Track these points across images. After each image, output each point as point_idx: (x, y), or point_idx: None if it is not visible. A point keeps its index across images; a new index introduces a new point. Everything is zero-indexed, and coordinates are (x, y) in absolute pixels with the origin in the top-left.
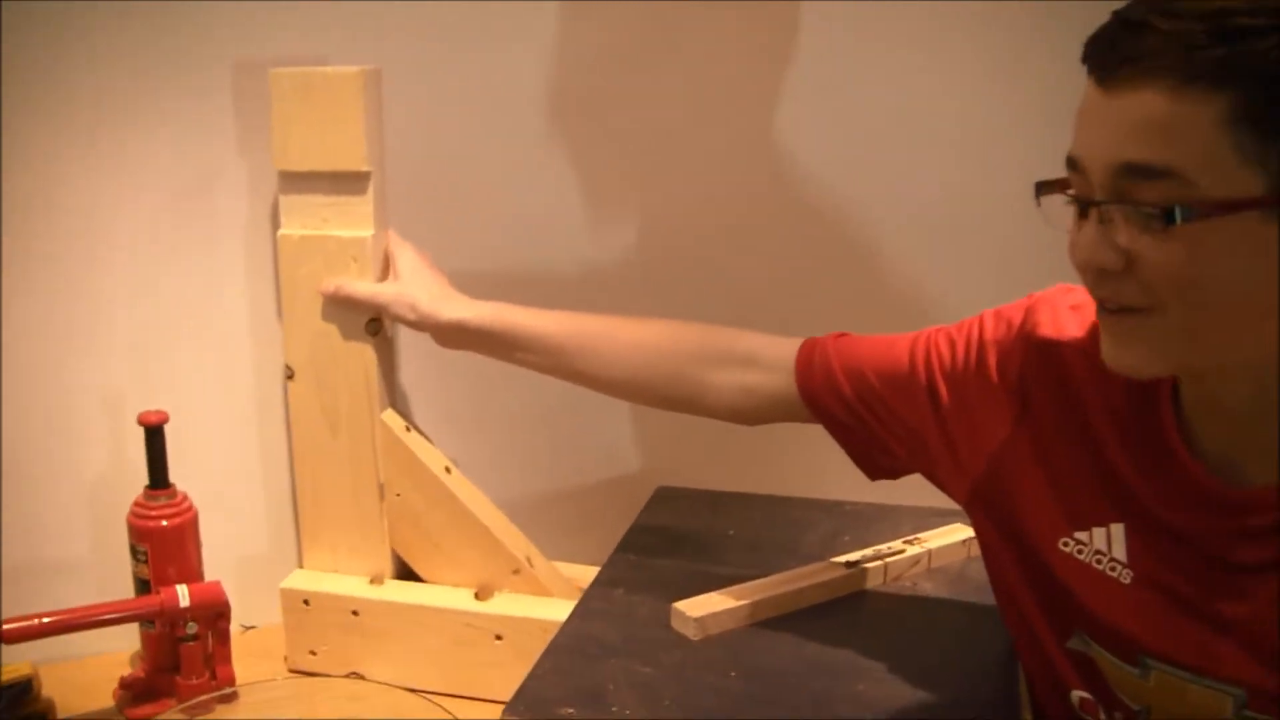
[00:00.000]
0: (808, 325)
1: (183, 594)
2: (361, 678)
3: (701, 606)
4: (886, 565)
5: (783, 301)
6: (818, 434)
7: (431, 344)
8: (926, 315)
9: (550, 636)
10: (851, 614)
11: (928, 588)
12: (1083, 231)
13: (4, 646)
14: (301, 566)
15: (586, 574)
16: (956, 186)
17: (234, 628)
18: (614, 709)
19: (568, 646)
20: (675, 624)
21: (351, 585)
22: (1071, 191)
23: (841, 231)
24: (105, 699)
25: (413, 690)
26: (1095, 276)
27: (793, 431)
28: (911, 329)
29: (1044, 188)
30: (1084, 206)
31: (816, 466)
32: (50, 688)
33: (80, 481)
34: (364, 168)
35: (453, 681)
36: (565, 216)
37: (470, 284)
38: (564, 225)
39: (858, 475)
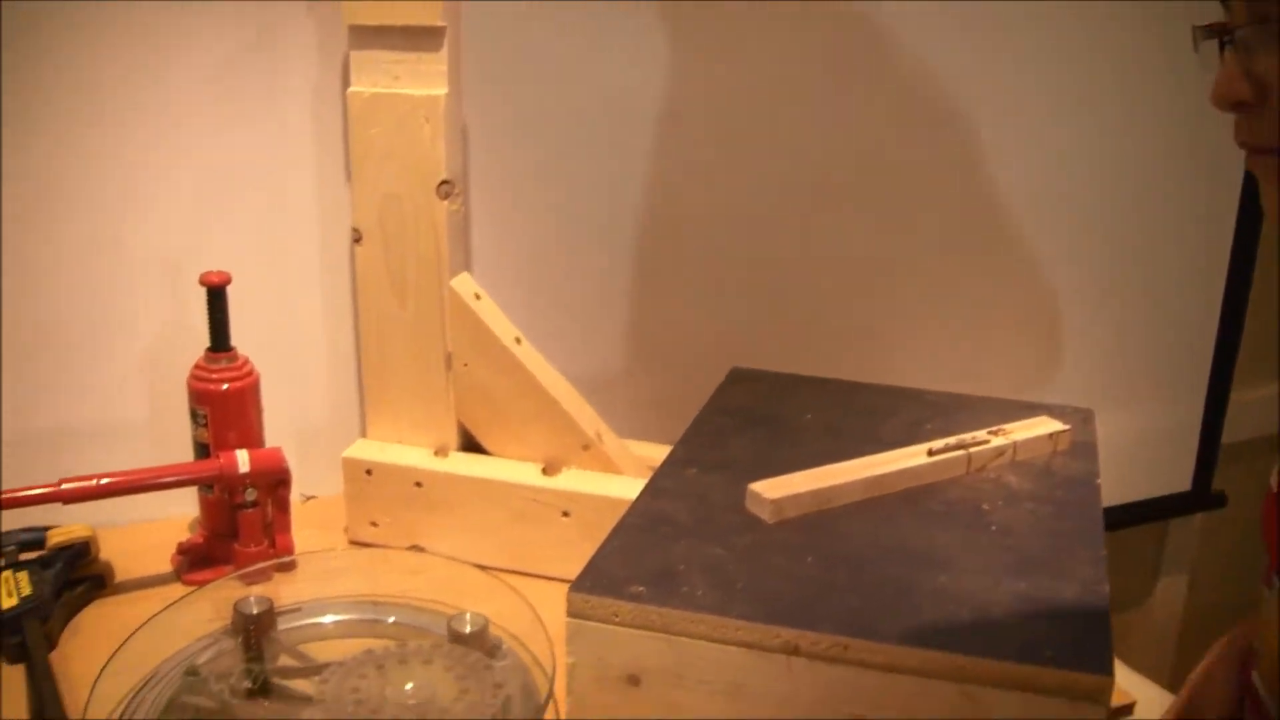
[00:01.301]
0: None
1: (242, 459)
2: (423, 551)
3: (778, 489)
4: (970, 455)
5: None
6: (897, 322)
7: (505, 210)
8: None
9: (619, 515)
10: (934, 503)
11: (1012, 480)
12: (1223, 65)
13: (63, 507)
14: (364, 437)
15: (657, 453)
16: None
17: (293, 498)
18: (684, 590)
19: (637, 525)
20: (750, 506)
21: (415, 456)
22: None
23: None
24: (163, 564)
25: (475, 565)
26: (1236, 117)
27: (870, 318)
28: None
29: (1200, 31)
30: (1225, 40)
31: (893, 355)
32: (108, 551)
33: (139, 345)
34: (438, 22)
35: (516, 557)
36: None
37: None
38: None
39: (936, 366)
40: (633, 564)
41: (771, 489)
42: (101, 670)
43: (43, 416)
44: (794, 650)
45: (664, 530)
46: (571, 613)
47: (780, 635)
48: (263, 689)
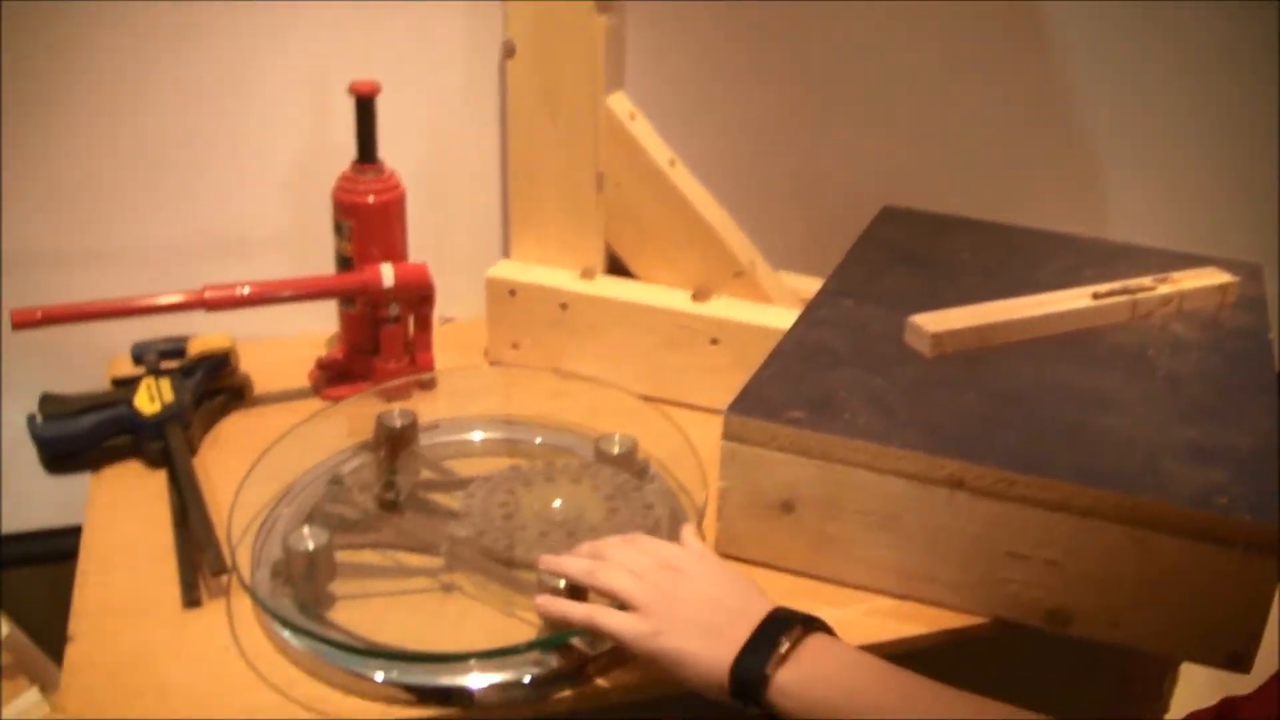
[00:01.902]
0: None
1: (386, 273)
2: (565, 373)
3: (939, 322)
4: (1136, 301)
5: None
6: (1052, 168)
7: (664, 23)
8: None
9: (770, 345)
10: (1097, 347)
11: (1179, 329)
12: None
13: (204, 318)
14: (507, 258)
15: (809, 285)
16: None
17: (433, 317)
18: (845, 417)
19: (794, 353)
20: (909, 339)
21: (561, 278)
22: None
23: None
24: (300, 379)
25: (612, 386)
26: None
27: (1023, 161)
28: None
29: None
30: None
31: (1046, 201)
32: (247, 364)
33: (284, 157)
34: None
35: (661, 385)
36: None
37: None
38: None
39: (1093, 217)
40: (791, 390)
41: (932, 322)
42: (245, 477)
43: (185, 227)
44: (958, 483)
45: (821, 359)
46: (727, 435)
47: (945, 467)
48: (406, 501)
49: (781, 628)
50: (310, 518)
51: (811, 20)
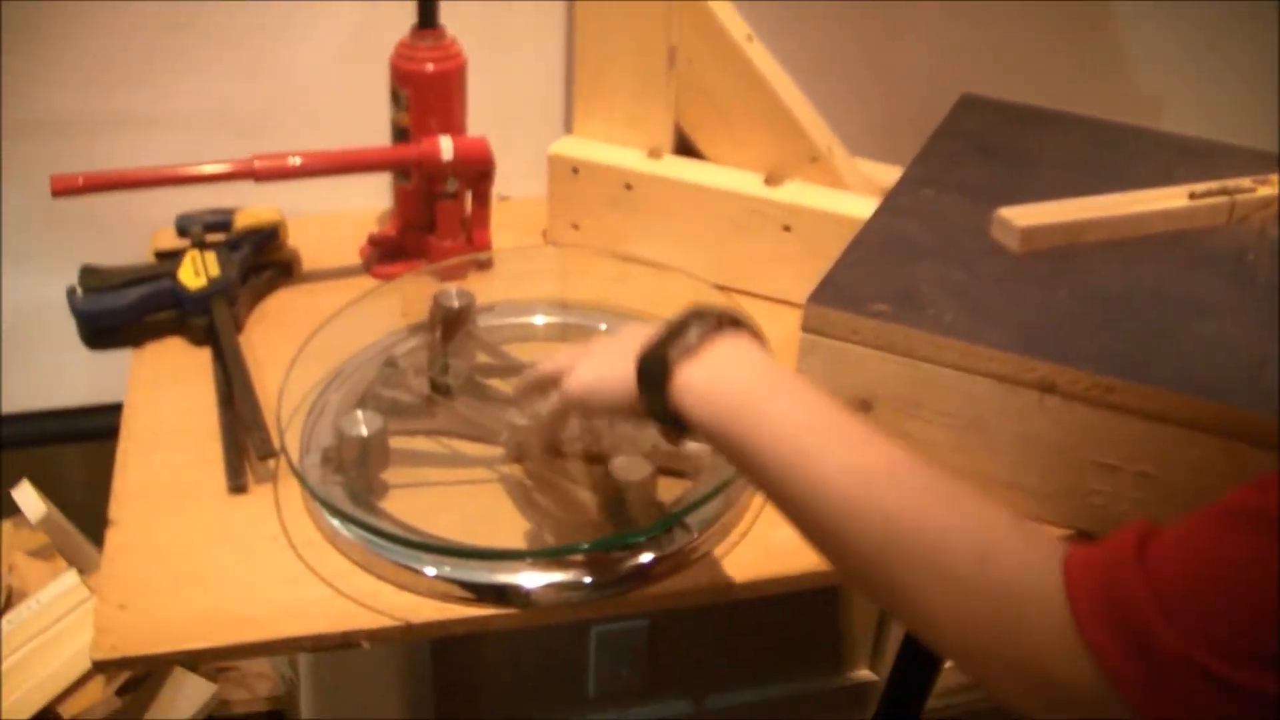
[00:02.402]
0: None
1: (445, 146)
2: (628, 256)
3: (1027, 216)
4: (1234, 203)
5: None
6: (1140, 59)
7: None
8: None
9: (845, 235)
10: (1194, 249)
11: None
12: None
13: (252, 189)
14: (570, 133)
15: (887, 175)
16: None
17: (492, 194)
18: (930, 312)
19: (875, 243)
20: (996, 233)
21: (627, 157)
22: None
23: None
24: (351, 256)
25: (679, 270)
26: None
27: (1111, 53)
28: None
29: None
30: None
31: (1137, 94)
32: (295, 239)
33: (337, 23)
34: None
35: (729, 271)
36: None
37: None
38: None
39: (1185, 114)
40: (873, 281)
41: (1021, 216)
42: (295, 357)
43: (234, 94)
44: (1050, 387)
45: (904, 250)
46: (807, 327)
47: (1036, 369)
48: (463, 386)
49: (696, 320)
50: (363, 401)
51: None
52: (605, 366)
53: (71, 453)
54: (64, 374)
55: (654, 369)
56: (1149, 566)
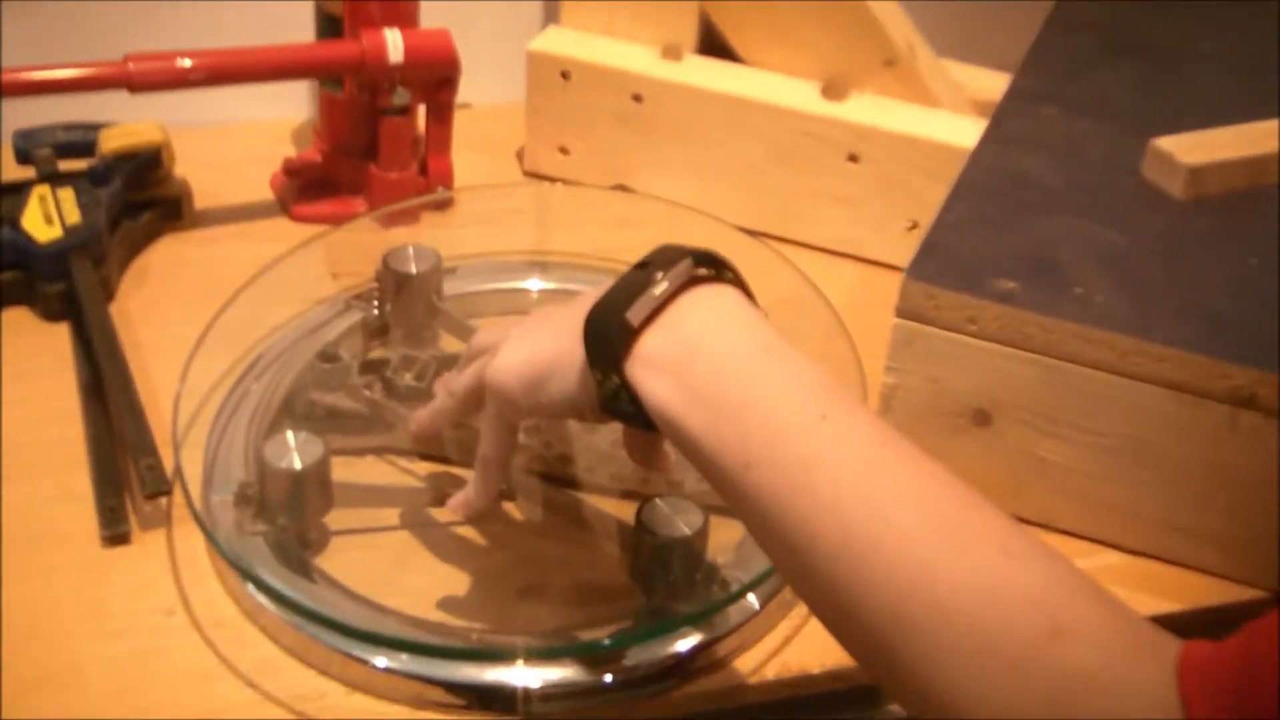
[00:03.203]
0: None
1: (393, 43)
2: (632, 192)
3: (1194, 149)
4: None
5: None
6: None
7: None
8: None
9: (933, 169)
10: None
11: None
12: None
13: (127, 100)
14: (557, 23)
15: (986, 81)
16: None
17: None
18: (1077, 291)
19: (988, 187)
20: (1151, 171)
21: (635, 57)
22: None
23: None
24: (260, 188)
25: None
26: None
27: None
28: None
29: None
30: None
31: None
32: (185, 164)
33: None
34: None
35: (771, 214)
36: None
37: None
38: None
39: None
40: (993, 246)
41: (1185, 149)
42: (195, 347)
43: None
44: (1247, 400)
45: (1029, 198)
46: (905, 310)
47: (1229, 376)
48: (430, 386)
49: (661, 263)
50: (291, 411)
51: None
52: (538, 344)
53: None
54: None
55: (606, 334)
56: None
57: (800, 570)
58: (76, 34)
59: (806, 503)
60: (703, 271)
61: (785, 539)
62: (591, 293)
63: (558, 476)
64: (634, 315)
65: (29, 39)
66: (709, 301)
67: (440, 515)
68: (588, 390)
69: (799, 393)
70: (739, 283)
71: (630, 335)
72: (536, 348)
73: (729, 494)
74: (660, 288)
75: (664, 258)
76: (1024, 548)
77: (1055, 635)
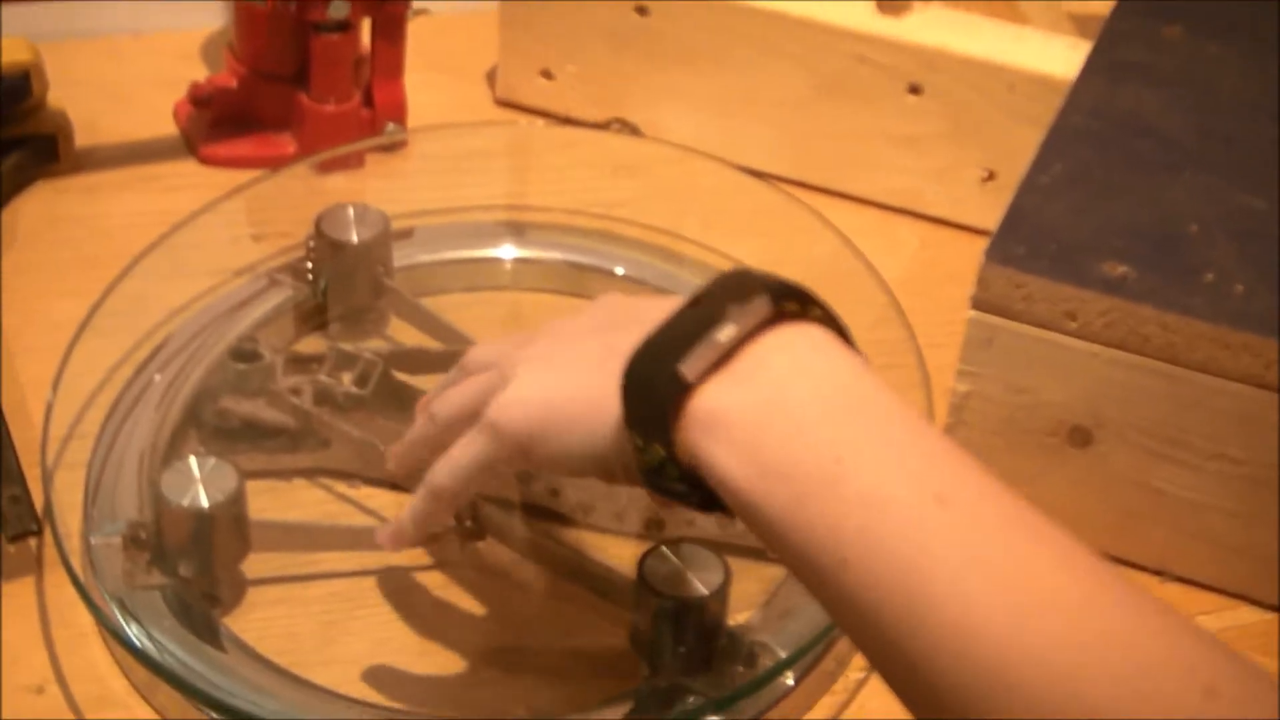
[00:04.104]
0: None
1: None
2: (634, 130)
3: None
4: None
5: None
6: None
7: None
8: None
9: (1023, 108)
10: None
11: None
12: None
13: None
14: None
15: None
16: None
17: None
18: (1209, 278)
19: (1094, 135)
20: None
21: None
22: None
23: None
24: (161, 120)
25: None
26: None
27: None
28: None
29: None
30: None
31: None
32: (62, 90)
33: None
34: None
35: (810, 158)
36: None
37: None
38: None
39: None
40: (1099, 215)
41: None
42: (73, 339)
43: None
44: None
45: (1145, 149)
46: (985, 303)
47: None
48: (378, 393)
49: (730, 295)
50: (198, 422)
51: None
52: (561, 380)
53: None
54: None
55: (652, 390)
56: None
57: (917, 695)
58: None
59: (921, 622)
60: (788, 306)
61: (897, 661)
62: (637, 306)
63: (543, 511)
64: (690, 368)
65: None
66: (791, 346)
67: (386, 560)
68: (622, 452)
69: (907, 465)
70: (829, 320)
71: (684, 393)
72: (558, 385)
73: (821, 595)
74: (726, 331)
75: (731, 290)
76: (1230, 680)
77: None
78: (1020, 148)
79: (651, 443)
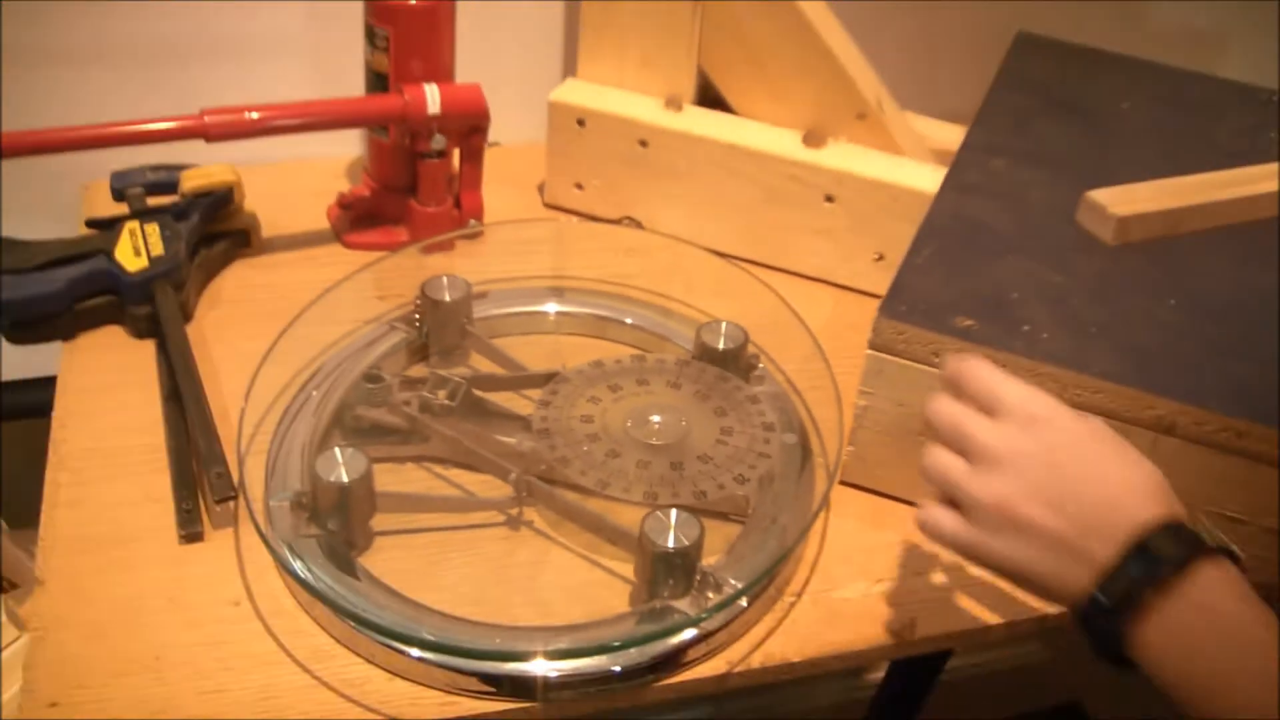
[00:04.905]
0: None
1: (432, 96)
2: (638, 225)
3: (1122, 202)
4: None
5: None
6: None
7: None
8: None
9: (898, 209)
10: None
11: None
12: None
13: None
14: (574, 76)
15: (939, 132)
16: None
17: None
18: (1026, 329)
19: (950, 231)
20: (1085, 219)
21: (642, 107)
22: None
23: None
24: (317, 217)
25: (707, 250)
26: None
27: None
28: None
29: None
30: None
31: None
32: (253, 197)
33: None
34: None
35: (760, 245)
36: None
37: None
38: None
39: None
40: (954, 285)
41: (1115, 202)
42: (258, 367)
43: (174, 23)
44: (1168, 428)
45: (983, 241)
46: (876, 344)
47: (1154, 407)
48: (464, 404)
49: (1153, 563)
50: (340, 423)
51: None
52: (1043, 552)
53: None
54: None
55: (1101, 636)
56: None
57: None
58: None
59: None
60: (1192, 558)
61: None
62: (1104, 495)
63: (574, 486)
64: (1126, 624)
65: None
66: (1198, 598)
67: (470, 519)
68: (1070, 611)
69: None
70: (1233, 556)
71: (1139, 605)
72: (1036, 557)
73: None
74: (1149, 595)
75: (1156, 552)
76: None
77: None
78: (901, 238)
79: (1104, 637)
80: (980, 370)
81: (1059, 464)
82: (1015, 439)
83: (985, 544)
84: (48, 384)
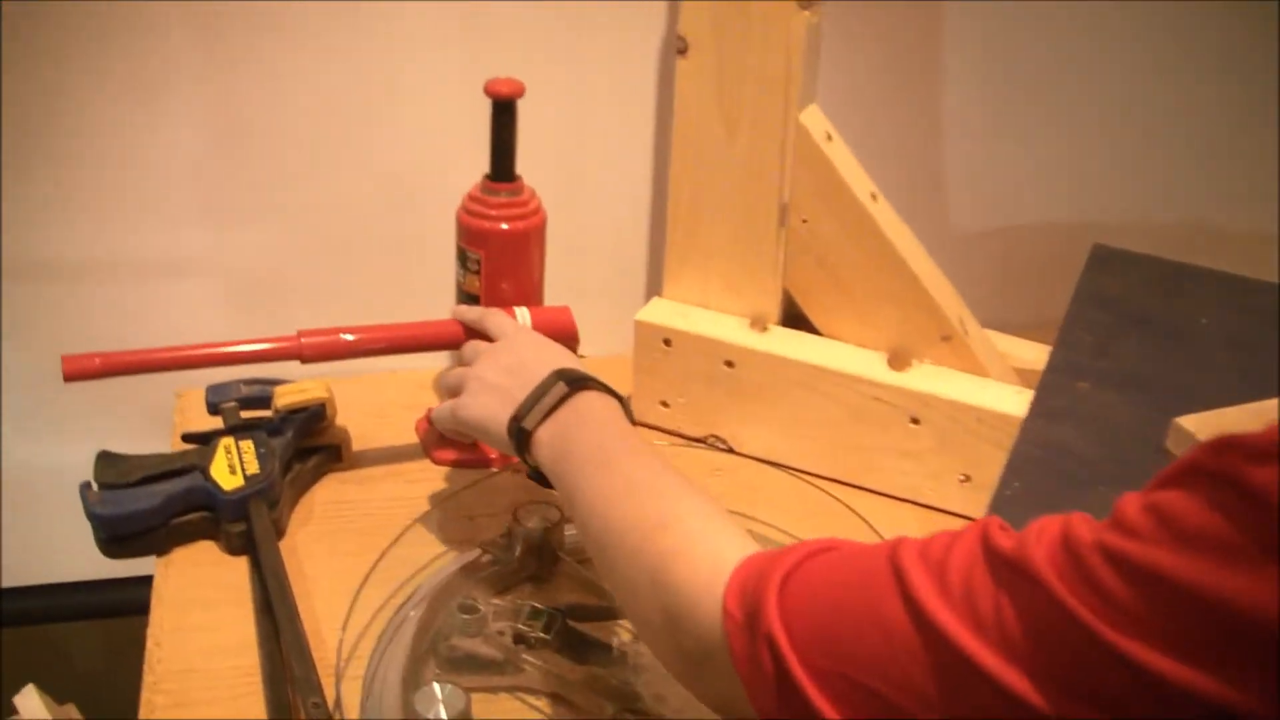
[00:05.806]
0: None
1: (523, 318)
2: (725, 445)
3: (1213, 428)
4: None
5: None
6: None
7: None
8: None
9: (984, 431)
10: None
11: None
12: None
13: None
14: (659, 295)
15: (1018, 349)
16: None
17: None
18: None
19: (1037, 461)
20: (1174, 445)
21: (727, 328)
22: None
23: None
24: (405, 430)
25: (794, 471)
26: None
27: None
28: None
29: None
30: None
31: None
32: (343, 411)
33: (395, 166)
34: None
35: (845, 464)
36: None
37: None
38: None
39: None
40: (1043, 512)
41: (1205, 428)
42: (354, 598)
43: (267, 242)
44: None
45: (1069, 470)
46: None
47: None
48: (558, 636)
49: (555, 384)
50: (436, 651)
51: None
52: (492, 408)
53: (82, 631)
54: (72, 544)
55: (519, 434)
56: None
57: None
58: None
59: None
60: (575, 387)
61: (591, 534)
62: (537, 354)
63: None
64: (531, 423)
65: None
66: (579, 405)
67: None
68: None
69: (616, 445)
70: (609, 390)
71: (531, 434)
72: (489, 412)
73: (573, 514)
74: (550, 401)
75: (558, 379)
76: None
77: (661, 527)
78: (986, 460)
79: (521, 454)
80: (489, 316)
81: (513, 351)
82: (494, 346)
83: (464, 405)
84: (130, 585)
